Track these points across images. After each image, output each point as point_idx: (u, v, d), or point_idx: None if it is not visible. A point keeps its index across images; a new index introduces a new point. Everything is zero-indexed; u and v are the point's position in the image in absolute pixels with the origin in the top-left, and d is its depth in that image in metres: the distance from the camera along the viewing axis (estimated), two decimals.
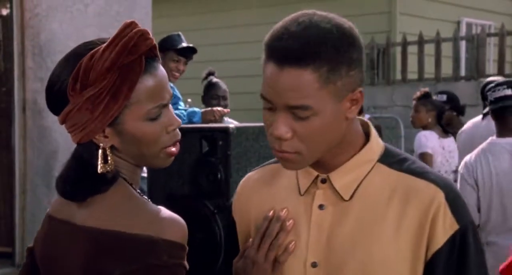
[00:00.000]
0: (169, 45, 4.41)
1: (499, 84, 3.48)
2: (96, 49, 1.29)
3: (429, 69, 8.36)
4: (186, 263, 1.26)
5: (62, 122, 1.32)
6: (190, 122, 4.27)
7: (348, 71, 1.24)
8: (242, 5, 10.50)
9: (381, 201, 1.30)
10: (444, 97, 5.49)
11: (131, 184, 1.33)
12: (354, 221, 1.31)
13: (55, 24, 5.16)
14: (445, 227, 1.27)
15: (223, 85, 4.87)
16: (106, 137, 1.29)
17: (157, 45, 1.33)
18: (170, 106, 1.36)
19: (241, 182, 1.51)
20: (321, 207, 1.33)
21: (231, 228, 1.50)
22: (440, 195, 1.28)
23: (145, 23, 5.68)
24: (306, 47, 1.21)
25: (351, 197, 1.32)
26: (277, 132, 1.24)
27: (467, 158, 3.55)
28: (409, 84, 8.32)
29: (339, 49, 1.22)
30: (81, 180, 1.30)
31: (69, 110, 1.28)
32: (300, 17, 1.26)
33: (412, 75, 8.48)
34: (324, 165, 1.33)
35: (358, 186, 1.32)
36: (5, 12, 5.35)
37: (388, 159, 1.34)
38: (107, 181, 1.29)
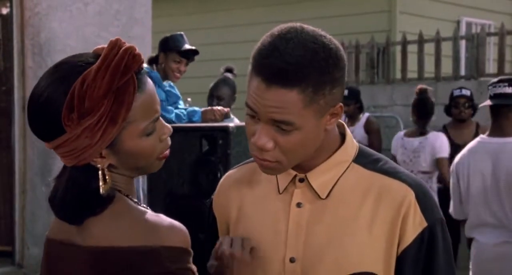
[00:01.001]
0: (172, 46, 4.39)
1: (501, 81, 3.47)
2: (86, 72, 1.23)
3: (429, 68, 8.35)
4: (192, 266, 1.26)
5: (54, 148, 1.27)
6: (190, 121, 4.26)
7: (331, 90, 1.29)
8: (242, 5, 10.49)
9: (356, 199, 1.37)
10: (468, 92, 5.51)
11: (127, 196, 1.32)
12: (330, 218, 1.37)
13: (55, 23, 5.15)
14: (415, 225, 1.34)
15: (224, 85, 4.82)
16: (103, 157, 1.27)
17: (144, 59, 1.31)
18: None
19: (221, 179, 1.56)
20: (299, 205, 1.39)
21: (212, 224, 1.53)
22: (411, 194, 1.35)
23: (145, 22, 5.68)
24: (294, 69, 1.25)
25: (328, 195, 1.38)
26: (260, 142, 1.30)
27: (457, 156, 3.59)
28: (409, 83, 8.30)
29: (324, 71, 1.27)
30: (78, 203, 1.28)
31: (66, 139, 1.24)
32: (287, 33, 1.29)
33: (412, 74, 8.47)
34: (301, 166, 1.39)
35: (334, 185, 1.38)
36: (5, 11, 5.35)
37: (362, 159, 1.41)
38: (103, 203, 1.27)
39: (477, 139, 3.52)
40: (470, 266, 3.55)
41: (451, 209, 3.68)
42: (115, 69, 1.22)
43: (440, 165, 5.05)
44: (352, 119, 6.18)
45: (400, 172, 1.39)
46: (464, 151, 3.56)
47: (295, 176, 1.40)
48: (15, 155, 5.13)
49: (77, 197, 1.28)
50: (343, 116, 6.30)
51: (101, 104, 1.21)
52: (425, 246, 1.34)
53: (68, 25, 5.21)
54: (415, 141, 5.19)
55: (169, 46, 4.38)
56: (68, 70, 1.26)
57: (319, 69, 1.26)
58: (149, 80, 1.31)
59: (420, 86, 5.41)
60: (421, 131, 5.20)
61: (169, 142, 1.35)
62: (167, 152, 1.35)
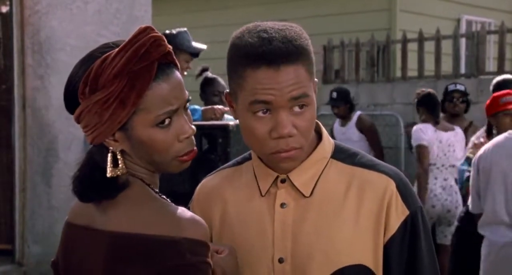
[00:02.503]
0: (183, 46, 4.36)
1: None
2: (109, 53, 1.28)
3: (429, 67, 8.34)
4: (210, 260, 1.27)
5: (77, 121, 1.33)
6: None
7: (313, 62, 1.38)
8: (241, 3, 10.49)
9: (339, 194, 1.40)
10: (462, 87, 5.65)
11: (149, 185, 1.33)
12: (316, 215, 1.39)
13: (55, 21, 5.15)
14: (398, 214, 1.38)
15: (221, 80, 4.85)
16: (116, 141, 1.30)
17: (171, 51, 1.32)
18: (189, 113, 1.35)
19: (197, 189, 1.56)
20: (282, 205, 1.41)
21: None
22: (392, 184, 1.40)
23: (145, 20, 5.67)
24: (291, 46, 1.32)
25: (311, 193, 1.40)
26: (287, 130, 1.32)
27: (481, 149, 3.54)
28: (409, 82, 8.30)
29: (308, 45, 1.36)
30: (92, 182, 1.30)
31: (80, 111, 1.29)
32: (257, 26, 1.35)
33: (412, 72, 8.47)
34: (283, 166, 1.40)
35: (316, 183, 1.41)
36: (4, 9, 5.35)
37: (340, 155, 1.45)
38: (117, 187, 1.29)
39: (505, 134, 3.48)
40: (481, 266, 3.51)
41: (469, 202, 3.65)
42: (134, 53, 1.25)
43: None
44: (344, 119, 6.19)
45: (378, 164, 1.44)
46: (489, 145, 3.51)
47: (277, 177, 1.42)
48: (15, 153, 5.13)
49: (91, 175, 1.30)
50: (335, 119, 6.30)
51: (112, 83, 1.25)
52: (408, 233, 1.38)
53: (68, 23, 5.21)
54: (450, 135, 5.32)
55: (178, 45, 4.35)
56: (98, 50, 1.32)
57: (306, 44, 1.35)
58: (177, 75, 1.33)
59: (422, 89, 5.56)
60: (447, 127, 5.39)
61: (192, 145, 1.34)
62: (189, 156, 1.34)
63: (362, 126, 6.06)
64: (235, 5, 10.54)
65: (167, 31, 4.45)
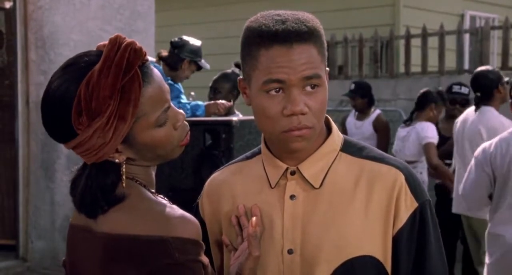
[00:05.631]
0: (196, 58, 4.47)
1: None
2: (89, 74, 1.24)
3: (433, 62, 8.33)
4: (203, 258, 1.27)
5: (71, 148, 1.30)
6: (194, 115, 4.27)
7: (325, 46, 1.40)
8: None
9: (349, 186, 1.41)
10: (467, 90, 5.55)
11: (144, 186, 1.34)
12: (325, 206, 1.40)
13: (58, 16, 5.16)
14: (407, 206, 1.40)
15: (223, 79, 4.78)
16: (119, 152, 1.29)
17: (144, 50, 1.31)
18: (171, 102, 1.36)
19: (206, 183, 1.56)
20: (292, 197, 1.42)
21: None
22: (401, 177, 1.41)
23: (148, 16, 5.68)
24: (305, 26, 1.34)
25: (321, 184, 1.41)
26: (298, 107, 1.33)
27: (486, 145, 3.47)
28: (412, 78, 8.29)
29: (320, 28, 1.39)
30: (96, 199, 1.30)
31: (79, 141, 1.27)
32: (269, 12, 1.39)
33: (416, 68, 8.46)
34: (294, 157, 1.42)
35: (326, 174, 1.42)
36: (8, 5, 5.35)
37: (349, 148, 1.46)
38: (115, 201, 1.29)
39: (510, 130, 3.43)
40: (487, 261, 3.43)
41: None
42: (118, 68, 1.23)
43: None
44: (362, 113, 6.14)
45: (387, 157, 1.45)
46: (496, 142, 3.44)
47: (287, 169, 1.43)
48: (19, 149, 5.15)
49: (96, 193, 1.30)
50: (353, 111, 6.26)
51: (108, 104, 1.23)
52: (417, 225, 1.40)
53: (71, 19, 5.22)
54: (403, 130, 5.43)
55: (191, 56, 4.45)
56: (74, 73, 1.27)
57: (316, 25, 1.37)
58: (155, 71, 1.32)
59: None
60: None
61: (187, 127, 1.37)
62: (187, 138, 1.36)
63: (377, 125, 6.05)
64: (237, 1, 10.53)
65: (184, 37, 4.51)
